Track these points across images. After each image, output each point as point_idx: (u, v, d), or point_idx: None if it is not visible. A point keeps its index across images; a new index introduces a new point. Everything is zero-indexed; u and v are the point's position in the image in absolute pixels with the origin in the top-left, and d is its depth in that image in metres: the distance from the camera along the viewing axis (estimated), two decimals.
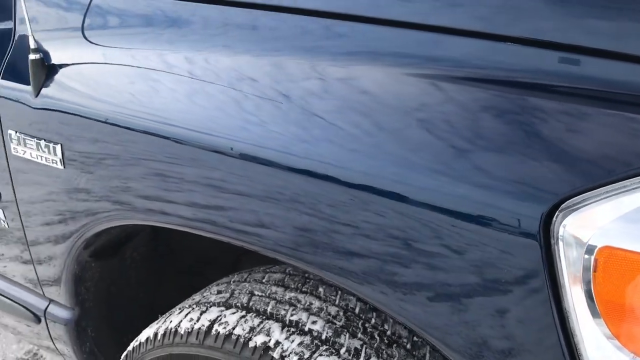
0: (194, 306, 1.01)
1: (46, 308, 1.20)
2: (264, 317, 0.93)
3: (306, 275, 1.03)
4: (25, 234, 1.12)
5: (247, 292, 1.00)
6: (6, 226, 1.14)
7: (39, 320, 1.23)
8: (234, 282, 1.06)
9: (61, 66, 0.96)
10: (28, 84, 0.97)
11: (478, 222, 0.68)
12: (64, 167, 0.96)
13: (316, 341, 0.88)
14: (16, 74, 1.00)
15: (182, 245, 1.30)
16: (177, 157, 0.86)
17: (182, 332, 0.96)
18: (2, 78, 1.00)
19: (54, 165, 0.97)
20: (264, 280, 1.03)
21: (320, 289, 0.99)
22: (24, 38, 1.01)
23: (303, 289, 0.99)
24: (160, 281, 1.33)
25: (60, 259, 1.08)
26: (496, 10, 0.73)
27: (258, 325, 0.91)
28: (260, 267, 1.10)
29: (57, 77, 0.95)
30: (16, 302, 1.26)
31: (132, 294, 1.27)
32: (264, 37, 0.86)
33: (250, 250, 1.50)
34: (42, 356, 2.08)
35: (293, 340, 0.88)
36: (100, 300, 1.20)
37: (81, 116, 0.92)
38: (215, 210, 0.88)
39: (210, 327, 0.93)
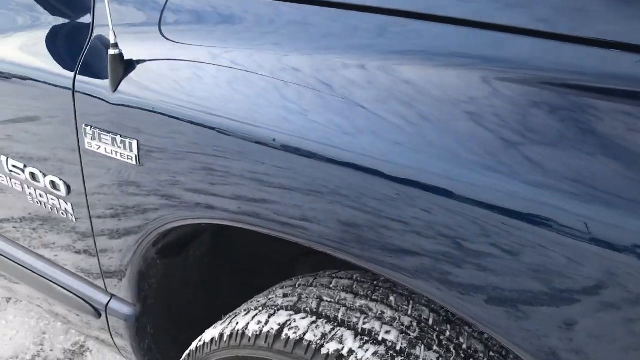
0: (260, 308, 1.00)
1: (108, 303, 1.21)
2: (336, 324, 0.91)
3: (375, 282, 1.01)
4: (92, 228, 1.12)
5: (316, 297, 0.98)
6: (73, 220, 1.15)
7: (99, 315, 1.24)
8: (299, 285, 1.05)
9: (139, 62, 0.96)
10: (105, 79, 0.97)
11: (556, 229, 0.65)
12: (139, 163, 0.96)
13: (391, 352, 0.86)
14: (93, 69, 1.00)
15: (240, 245, 1.29)
16: (244, 154, 0.85)
17: (250, 335, 0.95)
18: (79, 73, 1.01)
19: (129, 161, 0.96)
20: (331, 286, 1.01)
21: (392, 298, 0.96)
22: (102, 33, 1.02)
23: (373, 297, 0.97)
24: (218, 280, 1.33)
25: (127, 255, 1.08)
26: (560, 10, 0.70)
27: (330, 332, 0.89)
28: (326, 272, 1.08)
29: (135, 72, 0.95)
30: (77, 295, 1.27)
31: (191, 293, 1.27)
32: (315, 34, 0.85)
33: (306, 253, 1.49)
34: (88, 348, 2.10)
35: (367, 350, 0.86)
36: (162, 298, 1.20)
37: (158, 113, 0.91)
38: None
39: (279, 331, 0.92)
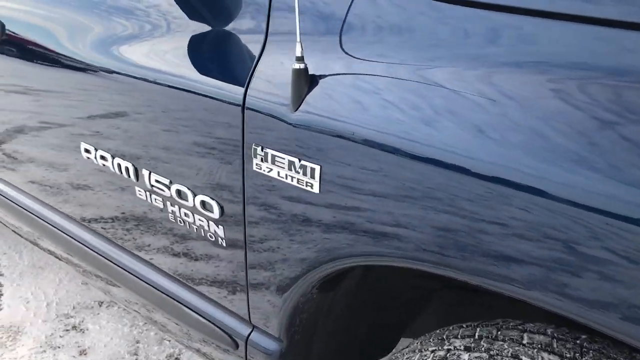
0: None
1: (249, 335, 1.11)
2: None
3: (578, 342, 0.87)
4: (246, 256, 1.02)
5: (511, 355, 0.85)
6: (223, 244, 1.06)
7: (236, 346, 1.14)
8: (482, 338, 0.91)
9: (323, 78, 0.85)
10: (282, 95, 0.87)
11: None
12: (320, 191, 0.85)
13: None
14: (268, 84, 0.90)
15: (381, 279, 1.18)
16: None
17: None
18: (250, 87, 0.91)
19: (308, 188, 0.86)
20: (525, 342, 0.88)
21: None
22: (278, 43, 0.92)
23: None
24: (356, 315, 1.22)
25: (285, 288, 0.98)
26: None
27: None
28: (508, 322, 0.95)
29: (319, 89, 0.84)
30: (212, 323, 1.18)
31: (333, 328, 1.16)
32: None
33: (440, 289, 1.35)
34: None
35: None
36: (308, 333, 1.09)
37: (347, 137, 0.81)
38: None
39: None
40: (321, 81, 0.85)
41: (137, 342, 2.13)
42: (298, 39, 0.83)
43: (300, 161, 0.86)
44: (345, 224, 0.85)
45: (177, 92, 1.00)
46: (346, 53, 0.86)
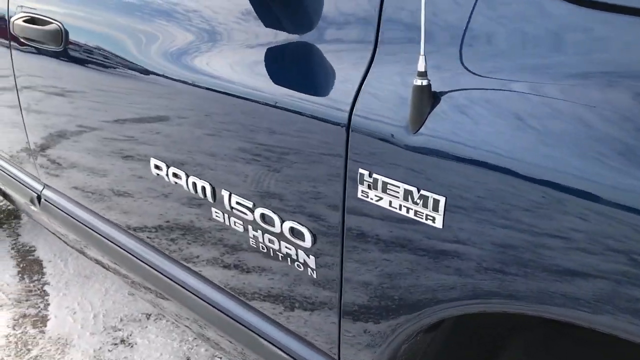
0: None
1: None
2: None
3: None
4: (341, 291, 0.92)
5: None
6: (313, 275, 0.96)
7: None
8: None
9: (447, 95, 0.74)
10: (397, 115, 0.77)
11: None
12: (443, 226, 0.74)
13: None
14: (378, 101, 0.80)
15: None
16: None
17: None
18: (357, 106, 0.81)
19: (428, 222, 0.75)
20: None
21: None
22: (390, 55, 0.81)
23: None
24: (447, 355, 1.10)
25: (388, 331, 0.88)
26: None
27: None
28: None
29: (444, 109, 0.74)
30: (286, 353, 1.08)
31: None
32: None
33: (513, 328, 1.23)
34: None
35: None
36: None
37: (479, 165, 0.70)
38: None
39: None
40: (446, 99, 0.74)
41: (188, 358, 2.05)
42: (422, 52, 0.72)
43: (419, 191, 0.75)
44: (471, 263, 0.74)
45: (268, 110, 0.90)
46: (467, 69, 0.75)
